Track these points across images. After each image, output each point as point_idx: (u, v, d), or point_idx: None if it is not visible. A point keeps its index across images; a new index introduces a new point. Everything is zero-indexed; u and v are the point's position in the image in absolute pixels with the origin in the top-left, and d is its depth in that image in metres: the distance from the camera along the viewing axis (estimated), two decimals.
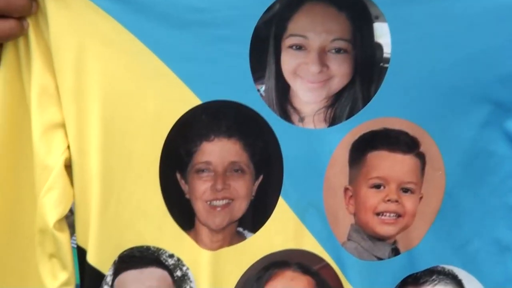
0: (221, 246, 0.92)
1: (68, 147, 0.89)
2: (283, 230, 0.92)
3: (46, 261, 0.91)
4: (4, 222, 0.93)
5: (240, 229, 0.92)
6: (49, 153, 0.88)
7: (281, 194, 0.91)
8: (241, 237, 0.92)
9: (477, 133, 0.90)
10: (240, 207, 0.91)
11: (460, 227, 0.94)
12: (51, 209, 0.88)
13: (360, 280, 0.95)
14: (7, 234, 0.93)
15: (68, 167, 0.89)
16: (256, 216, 0.92)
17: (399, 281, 0.96)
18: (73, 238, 0.93)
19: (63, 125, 0.88)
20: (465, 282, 0.96)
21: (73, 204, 0.90)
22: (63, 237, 0.90)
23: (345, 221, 0.93)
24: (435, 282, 0.96)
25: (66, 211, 0.90)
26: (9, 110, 0.88)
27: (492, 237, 0.95)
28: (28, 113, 0.88)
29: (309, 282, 0.94)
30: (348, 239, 0.93)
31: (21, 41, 0.86)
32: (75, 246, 0.93)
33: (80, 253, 0.91)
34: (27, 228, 0.92)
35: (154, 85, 0.87)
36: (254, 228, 0.92)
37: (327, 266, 0.93)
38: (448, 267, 0.96)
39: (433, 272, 0.96)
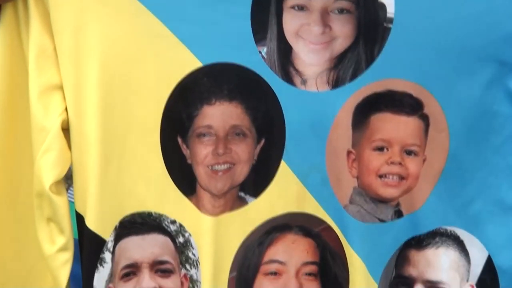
0: (222, 212, 0.93)
1: (66, 109, 0.90)
2: (285, 194, 0.94)
3: (44, 226, 0.93)
4: (3, 185, 0.94)
5: (242, 194, 0.94)
6: (46, 115, 0.90)
7: (283, 158, 0.92)
8: (243, 202, 0.94)
9: (481, 93, 0.92)
10: (242, 172, 0.93)
11: (463, 188, 0.96)
12: (47, 171, 0.90)
13: (361, 242, 0.96)
14: (6, 198, 0.95)
15: (66, 129, 0.91)
16: (258, 180, 0.93)
17: (401, 243, 0.98)
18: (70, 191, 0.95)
19: (61, 87, 0.89)
20: (467, 243, 0.99)
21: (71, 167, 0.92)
22: (60, 200, 0.91)
23: (348, 184, 0.94)
24: (438, 244, 0.99)
25: (63, 173, 0.91)
26: (7, 71, 0.90)
27: (495, 198, 0.97)
28: (26, 74, 0.89)
29: (310, 244, 0.96)
30: (350, 202, 0.95)
31: (20, 2, 0.87)
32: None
33: (79, 219, 0.93)
34: (26, 192, 0.93)
35: (154, 47, 0.87)
36: (256, 193, 0.94)
37: (329, 228, 0.95)
38: (451, 228, 0.98)
39: (436, 234, 0.98)
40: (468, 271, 1.00)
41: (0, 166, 0.94)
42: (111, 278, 0.95)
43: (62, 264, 0.94)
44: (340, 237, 0.96)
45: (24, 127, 0.91)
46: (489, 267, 0.99)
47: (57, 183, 0.91)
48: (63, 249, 0.93)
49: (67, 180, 0.95)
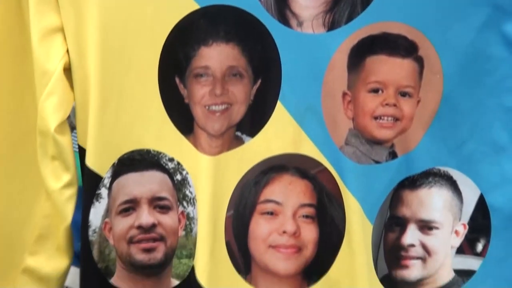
0: (220, 152, 0.96)
1: (67, 51, 0.92)
2: (281, 134, 0.96)
3: (48, 163, 0.96)
4: (7, 126, 0.97)
5: (239, 134, 0.96)
6: (48, 58, 0.92)
7: (279, 99, 0.95)
8: (240, 142, 0.96)
9: (475, 36, 0.94)
10: (239, 112, 0.95)
11: (456, 129, 0.99)
12: (51, 114, 0.93)
13: (357, 183, 0.99)
14: (10, 137, 0.98)
15: (68, 70, 0.93)
16: (254, 120, 0.96)
17: (396, 184, 1.01)
18: (73, 134, 0.98)
19: (61, 30, 0.92)
20: (459, 183, 1.01)
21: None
22: (65, 139, 0.94)
23: (343, 126, 0.97)
24: (431, 184, 1.01)
25: (67, 115, 0.94)
26: (9, 17, 0.92)
27: (488, 138, 0.99)
28: (27, 19, 0.91)
29: (307, 186, 0.98)
30: (346, 144, 0.97)
31: None
32: (77, 149, 0.98)
33: (82, 153, 0.96)
34: (29, 132, 0.96)
35: None
36: (253, 133, 0.96)
37: (325, 170, 0.98)
38: (444, 168, 1.01)
39: (429, 174, 1.01)
40: (461, 211, 1.03)
41: (3, 109, 0.97)
42: (107, 213, 0.98)
43: (67, 199, 0.97)
44: (336, 179, 0.98)
45: (25, 70, 0.94)
46: (481, 206, 1.02)
47: (61, 124, 0.94)
48: (68, 185, 0.96)
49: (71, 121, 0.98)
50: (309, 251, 0.99)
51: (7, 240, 1.00)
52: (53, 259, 1.00)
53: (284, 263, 0.99)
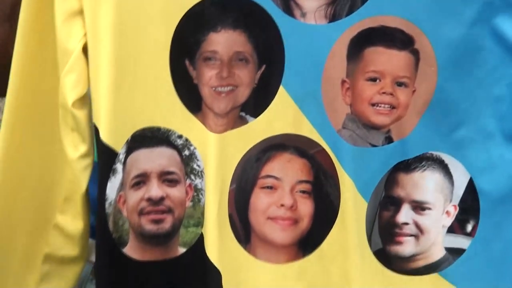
0: (225, 130, 1.02)
1: (86, 34, 0.98)
2: (282, 116, 1.02)
3: (68, 133, 1.03)
4: (32, 94, 1.04)
5: (243, 114, 1.02)
6: (69, 38, 0.98)
7: (282, 83, 1.01)
8: (244, 121, 1.03)
9: (466, 31, 0.99)
10: (243, 94, 1.01)
11: (448, 117, 1.04)
12: (70, 90, 1.00)
13: (353, 164, 1.05)
14: (35, 106, 1.05)
15: (86, 51, 0.99)
16: (257, 102, 1.02)
17: (390, 167, 1.07)
18: None
19: (81, 13, 0.98)
20: (451, 167, 1.07)
21: None
22: (82, 114, 1.01)
23: (341, 110, 1.03)
24: (424, 167, 1.07)
25: (84, 91, 1.01)
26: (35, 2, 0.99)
27: (477, 126, 1.05)
28: (52, 3, 0.98)
29: (305, 165, 1.05)
30: (343, 127, 1.04)
31: None
32: None
33: (96, 131, 1.02)
34: (53, 103, 1.03)
35: None
36: (256, 113, 1.02)
37: (322, 151, 1.04)
38: (436, 153, 1.06)
39: (423, 159, 1.06)
40: (452, 193, 1.08)
41: (29, 81, 1.03)
42: (121, 187, 1.04)
43: (84, 169, 1.04)
44: (333, 159, 1.04)
45: (49, 47, 1.00)
46: (470, 189, 1.07)
47: (79, 99, 1.00)
48: (85, 155, 1.03)
49: None
50: (304, 223, 1.06)
51: (43, 198, 1.08)
52: (75, 220, 1.08)
53: (281, 234, 1.06)
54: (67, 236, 1.09)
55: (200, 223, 1.05)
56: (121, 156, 1.02)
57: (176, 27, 0.97)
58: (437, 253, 1.10)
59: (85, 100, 1.02)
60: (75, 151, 1.03)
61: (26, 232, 1.09)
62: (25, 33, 1.00)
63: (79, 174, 1.04)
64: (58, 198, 1.08)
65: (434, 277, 1.10)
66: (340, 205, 1.06)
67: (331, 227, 1.07)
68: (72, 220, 1.08)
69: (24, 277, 1.11)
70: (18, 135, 1.05)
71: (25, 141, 1.06)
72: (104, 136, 1.00)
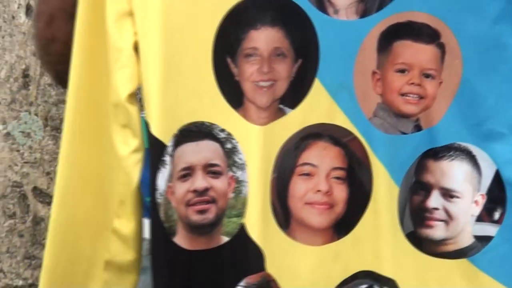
0: (267, 122, 1.09)
1: (136, 33, 1.06)
2: (317, 107, 1.09)
3: (119, 131, 1.09)
4: (83, 95, 1.10)
5: (281, 106, 1.09)
6: (120, 37, 1.06)
7: (316, 76, 1.08)
8: (282, 113, 1.10)
9: (490, 27, 1.06)
10: (282, 87, 1.08)
11: (474, 110, 1.10)
12: (123, 85, 1.07)
13: (384, 151, 1.12)
14: (86, 106, 1.11)
15: (137, 50, 1.06)
16: (295, 94, 1.09)
17: (420, 153, 1.13)
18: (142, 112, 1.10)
19: (131, 14, 1.05)
20: (478, 158, 1.12)
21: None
22: (134, 109, 1.08)
23: (373, 100, 1.10)
24: (452, 157, 1.13)
25: (135, 87, 1.07)
26: (89, 4, 1.07)
27: (504, 120, 1.10)
28: (103, 5, 1.06)
29: (339, 152, 1.12)
30: (375, 116, 1.10)
31: None
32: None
33: (147, 125, 1.09)
34: (103, 102, 1.09)
35: None
36: (293, 105, 1.09)
37: (355, 139, 1.11)
38: (464, 144, 1.12)
39: (451, 148, 1.12)
40: (480, 183, 1.13)
41: (79, 83, 1.09)
42: (170, 178, 1.09)
43: (135, 163, 1.09)
44: (365, 147, 1.11)
45: (101, 46, 1.07)
46: (497, 180, 1.12)
47: (131, 95, 1.07)
48: (136, 150, 1.09)
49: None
50: (339, 208, 1.13)
51: (102, 204, 1.13)
52: (129, 222, 1.13)
53: (318, 218, 1.13)
54: (123, 240, 1.13)
55: (241, 213, 1.11)
56: (169, 149, 1.08)
57: (218, 27, 1.05)
58: (466, 240, 1.15)
59: (135, 97, 1.08)
60: (127, 146, 1.09)
61: (89, 239, 1.14)
62: (80, 34, 1.07)
63: (130, 169, 1.09)
64: (114, 202, 1.12)
65: (463, 262, 1.15)
66: (373, 190, 1.13)
67: (364, 211, 1.14)
68: (127, 223, 1.13)
69: (87, 286, 1.16)
70: (77, 138, 1.11)
71: (84, 146, 1.11)
72: (155, 130, 1.07)
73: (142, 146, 1.10)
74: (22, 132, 1.74)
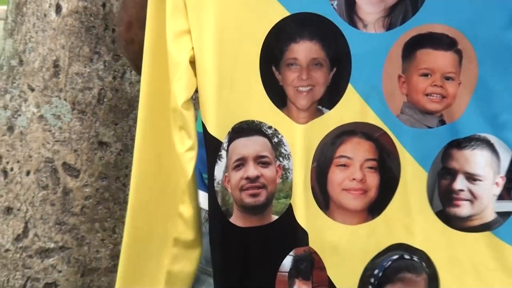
0: (307, 121, 1.24)
1: (192, 48, 1.22)
2: (351, 107, 1.24)
3: (177, 132, 1.24)
4: (148, 102, 1.28)
5: (320, 107, 1.24)
6: (179, 53, 1.22)
7: (350, 81, 1.23)
8: (320, 113, 1.25)
9: (501, 33, 1.19)
10: (320, 91, 1.23)
11: (491, 105, 1.23)
12: (180, 93, 1.22)
13: (412, 143, 1.26)
14: (151, 111, 1.28)
15: (192, 62, 1.22)
16: (331, 97, 1.23)
17: (445, 144, 1.26)
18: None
19: (188, 32, 1.22)
20: (496, 146, 1.25)
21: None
22: (189, 114, 1.23)
23: (399, 99, 1.24)
24: (474, 147, 1.26)
25: (191, 94, 1.23)
26: (153, 25, 1.24)
27: None
28: (163, 24, 1.22)
29: (371, 146, 1.26)
30: (401, 113, 1.24)
31: None
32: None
33: (204, 127, 1.25)
34: (165, 108, 1.25)
35: (255, 5, 1.20)
36: (330, 106, 1.24)
37: (385, 134, 1.25)
38: (483, 134, 1.25)
39: (472, 139, 1.25)
40: (499, 167, 1.26)
41: (148, 91, 1.26)
42: (226, 169, 1.25)
43: (190, 160, 1.24)
44: (394, 140, 1.25)
45: (164, 61, 1.22)
46: None
47: (187, 102, 1.21)
48: (190, 149, 1.24)
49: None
50: (372, 193, 1.27)
51: (170, 192, 1.28)
52: (189, 207, 1.29)
53: (353, 202, 1.27)
54: (186, 222, 1.29)
55: (288, 195, 1.27)
56: (225, 145, 1.24)
57: (264, 41, 1.20)
58: (490, 216, 1.27)
59: (191, 104, 1.24)
60: (183, 146, 1.23)
61: (160, 220, 1.31)
62: (148, 48, 1.25)
63: (185, 164, 1.24)
64: (178, 191, 1.27)
65: (487, 234, 1.27)
66: (402, 177, 1.26)
67: (394, 195, 1.27)
68: (188, 208, 1.28)
69: (160, 258, 1.32)
70: (148, 134, 1.28)
71: (152, 144, 1.27)
72: (211, 130, 1.23)
73: (195, 146, 1.25)
74: (53, 114, 1.97)
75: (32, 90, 1.96)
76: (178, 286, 1.35)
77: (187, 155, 1.24)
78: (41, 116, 1.97)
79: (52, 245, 1.99)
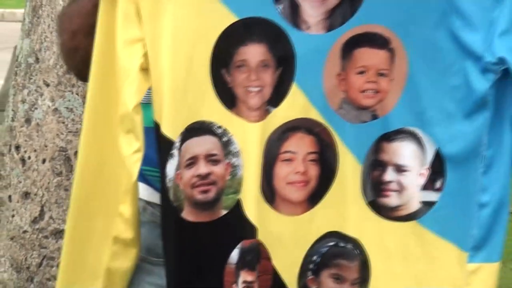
0: (257, 120, 1.33)
1: (144, 55, 1.27)
2: (296, 105, 1.33)
3: (124, 135, 1.31)
4: (95, 104, 1.33)
5: (268, 107, 1.33)
6: (129, 59, 1.28)
7: (294, 80, 1.32)
8: (268, 112, 1.33)
9: (429, 34, 1.32)
10: (268, 91, 1.32)
11: (419, 101, 1.35)
12: (131, 97, 1.28)
13: (349, 136, 1.36)
14: (97, 113, 1.34)
15: (143, 69, 1.28)
16: (277, 96, 1.33)
17: (377, 137, 1.38)
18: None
19: (140, 40, 1.27)
20: (422, 139, 1.38)
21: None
22: (138, 118, 1.30)
23: (338, 96, 1.35)
24: (402, 139, 1.38)
25: (141, 99, 1.29)
26: (105, 32, 1.28)
27: (441, 108, 1.36)
28: (114, 32, 1.28)
29: (312, 140, 1.36)
30: (340, 108, 1.35)
31: None
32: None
33: (156, 126, 1.31)
34: (111, 111, 1.31)
35: (207, 12, 1.27)
36: (276, 104, 1.33)
37: (325, 129, 1.35)
38: (411, 128, 1.37)
39: (401, 132, 1.37)
40: (425, 158, 1.37)
41: (95, 94, 1.31)
42: (178, 167, 1.32)
43: (135, 162, 1.30)
44: (333, 134, 1.35)
45: (112, 69, 1.28)
46: (437, 156, 1.38)
47: (137, 106, 1.28)
48: (137, 151, 1.30)
49: None
50: (312, 183, 1.36)
51: (111, 191, 1.35)
52: (130, 207, 1.34)
53: (297, 193, 1.36)
54: (126, 221, 1.34)
55: (237, 191, 1.35)
56: (177, 144, 1.32)
57: (214, 45, 1.28)
58: (415, 206, 1.39)
59: (140, 107, 1.30)
60: (130, 148, 1.30)
61: (101, 218, 1.36)
62: (96, 54, 1.29)
63: (131, 166, 1.30)
64: (120, 191, 1.33)
65: (413, 223, 1.40)
66: (339, 168, 1.36)
67: (331, 185, 1.37)
68: (128, 207, 1.33)
69: (100, 255, 1.37)
70: (92, 135, 1.33)
71: (97, 145, 1.34)
72: (165, 129, 1.31)
73: (142, 148, 1.31)
74: (67, 107, 2.21)
75: (48, 85, 2.17)
76: (116, 282, 1.40)
77: (133, 157, 1.31)
78: (56, 109, 2.20)
79: (66, 227, 2.11)
